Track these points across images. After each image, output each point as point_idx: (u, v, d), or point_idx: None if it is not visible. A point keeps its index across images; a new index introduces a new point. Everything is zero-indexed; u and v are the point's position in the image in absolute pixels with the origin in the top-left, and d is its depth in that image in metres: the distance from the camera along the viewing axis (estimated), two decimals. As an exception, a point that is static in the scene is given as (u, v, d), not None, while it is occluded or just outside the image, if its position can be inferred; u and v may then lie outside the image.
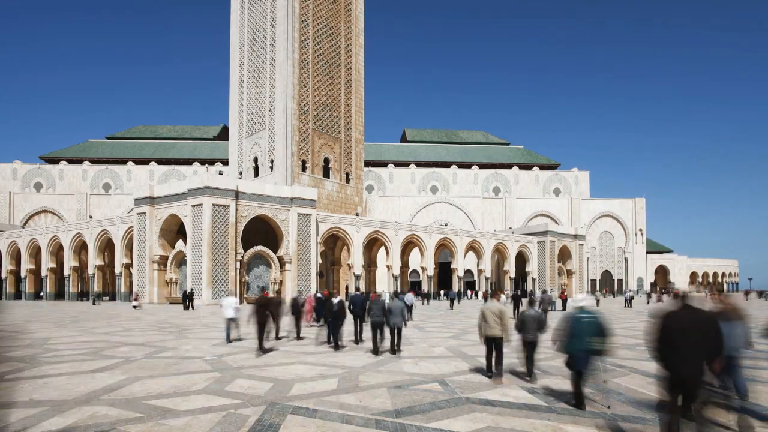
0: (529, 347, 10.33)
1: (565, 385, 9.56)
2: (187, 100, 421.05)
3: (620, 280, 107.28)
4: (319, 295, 22.77)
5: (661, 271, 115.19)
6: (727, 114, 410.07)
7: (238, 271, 48.33)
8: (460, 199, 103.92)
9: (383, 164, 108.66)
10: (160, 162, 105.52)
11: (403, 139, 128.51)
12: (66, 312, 37.10)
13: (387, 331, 14.34)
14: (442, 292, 78.26)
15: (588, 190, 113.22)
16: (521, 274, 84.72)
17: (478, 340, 17.39)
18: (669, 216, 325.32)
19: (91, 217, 78.81)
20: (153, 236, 51.61)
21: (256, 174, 70.81)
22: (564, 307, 35.50)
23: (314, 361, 12.62)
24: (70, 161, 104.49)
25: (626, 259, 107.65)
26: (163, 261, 51.57)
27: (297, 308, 18.34)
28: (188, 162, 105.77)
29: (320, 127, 70.52)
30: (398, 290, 53.47)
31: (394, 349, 14.01)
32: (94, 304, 51.55)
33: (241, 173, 73.08)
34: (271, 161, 68.16)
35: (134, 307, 41.53)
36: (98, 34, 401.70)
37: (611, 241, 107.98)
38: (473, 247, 75.64)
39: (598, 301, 47.65)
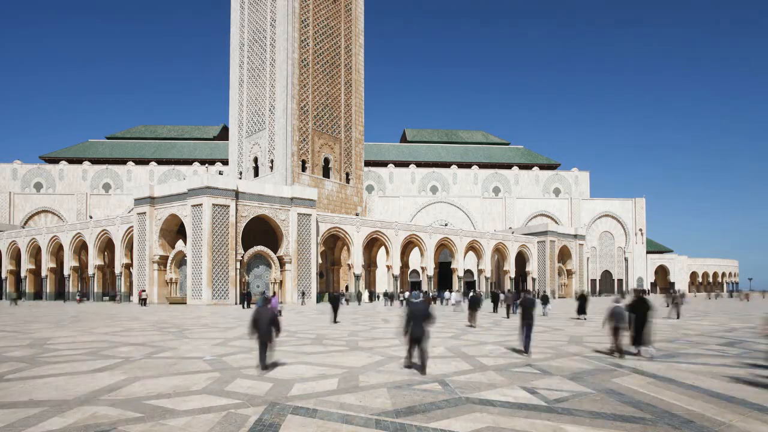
0: None
1: (565, 385, 9.56)
2: (187, 100, 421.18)
3: (620, 280, 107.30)
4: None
5: (661, 271, 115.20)
6: (728, 113, 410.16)
7: (238, 271, 48.34)
8: (460, 199, 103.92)
9: (383, 164, 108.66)
10: (160, 162, 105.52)
11: (403, 139, 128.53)
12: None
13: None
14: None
15: (588, 190, 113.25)
16: (521, 274, 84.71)
17: (479, 340, 17.43)
18: (669, 216, 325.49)
19: (91, 217, 78.81)
20: (153, 236, 51.61)
21: (256, 174, 70.81)
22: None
23: (314, 361, 12.62)
24: (70, 161, 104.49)
25: (626, 259, 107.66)
26: (163, 261, 51.57)
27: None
28: (188, 162, 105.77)
29: (320, 127, 70.52)
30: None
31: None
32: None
33: (241, 173, 73.08)
34: (271, 161, 68.16)
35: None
36: (98, 34, 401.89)
37: (611, 241, 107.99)
38: (473, 247, 75.63)
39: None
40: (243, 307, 40.71)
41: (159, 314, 33.40)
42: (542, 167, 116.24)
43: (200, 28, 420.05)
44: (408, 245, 69.41)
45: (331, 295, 26.30)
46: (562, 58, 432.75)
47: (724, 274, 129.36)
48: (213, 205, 46.59)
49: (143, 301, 47.81)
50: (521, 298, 14.31)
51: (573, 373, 10.89)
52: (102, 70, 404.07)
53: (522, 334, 13.81)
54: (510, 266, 78.99)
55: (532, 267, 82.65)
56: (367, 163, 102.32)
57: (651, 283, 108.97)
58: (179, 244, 52.61)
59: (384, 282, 74.56)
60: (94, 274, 63.23)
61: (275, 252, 52.28)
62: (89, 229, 63.50)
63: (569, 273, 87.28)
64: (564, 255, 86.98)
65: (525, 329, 13.70)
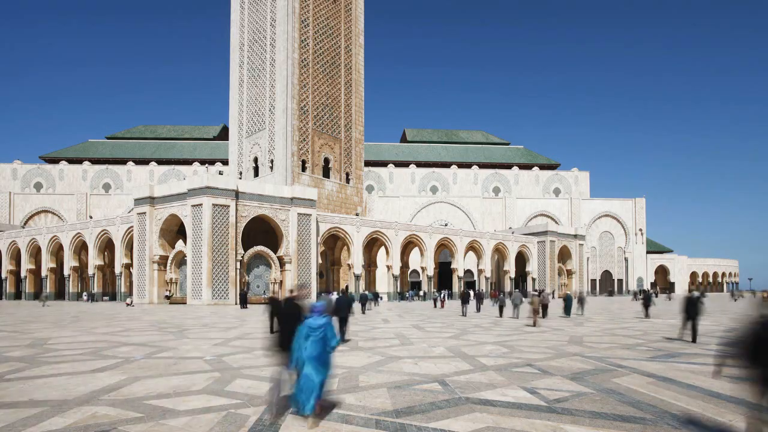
0: None
1: (565, 385, 9.56)
2: (187, 100, 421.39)
3: (620, 280, 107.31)
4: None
5: (661, 271, 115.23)
6: (728, 113, 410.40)
7: (238, 271, 48.35)
8: (460, 199, 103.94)
9: (383, 164, 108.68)
10: (160, 162, 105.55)
11: (403, 139, 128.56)
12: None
13: None
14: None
15: (588, 190, 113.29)
16: (521, 274, 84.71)
17: (479, 340, 17.45)
18: (669, 216, 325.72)
19: (91, 217, 78.83)
20: (153, 236, 51.62)
21: (256, 174, 70.82)
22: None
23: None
24: (70, 161, 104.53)
25: (626, 259, 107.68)
26: (163, 261, 51.59)
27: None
28: (188, 162, 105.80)
29: (320, 127, 70.53)
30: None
31: None
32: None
33: (241, 173, 73.09)
34: (271, 161, 68.18)
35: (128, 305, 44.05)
36: (98, 34, 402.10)
37: (611, 241, 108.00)
38: (473, 247, 75.64)
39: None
40: (241, 308, 40.68)
41: (159, 314, 33.40)
42: (542, 167, 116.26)
43: (200, 28, 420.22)
44: (408, 245, 69.42)
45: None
46: (562, 58, 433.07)
47: (724, 274, 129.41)
48: (213, 205, 46.60)
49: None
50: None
51: (573, 373, 10.88)
52: (102, 70, 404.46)
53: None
54: (510, 266, 79.01)
55: (532, 267, 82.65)
56: (367, 163, 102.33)
57: (651, 283, 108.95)
58: (179, 244, 52.62)
59: (384, 282, 74.56)
60: (94, 274, 63.24)
61: (275, 252, 52.29)
62: (89, 229, 63.51)
63: (569, 273, 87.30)
64: (564, 255, 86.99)
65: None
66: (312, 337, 6.85)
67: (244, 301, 41.75)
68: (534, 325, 23.28)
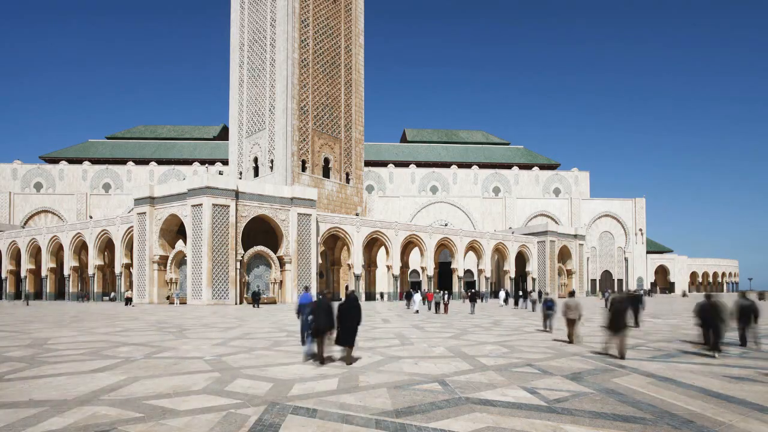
0: None
1: (565, 385, 9.56)
2: (187, 100, 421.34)
3: (620, 280, 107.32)
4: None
5: (661, 271, 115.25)
6: (728, 113, 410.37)
7: (238, 271, 48.35)
8: (460, 199, 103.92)
9: (383, 164, 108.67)
10: (160, 162, 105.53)
11: (403, 139, 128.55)
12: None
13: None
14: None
15: (588, 190, 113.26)
16: (521, 274, 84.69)
17: (479, 340, 17.46)
18: (669, 216, 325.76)
19: (91, 217, 78.83)
20: (153, 236, 51.62)
21: (256, 174, 70.81)
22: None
23: (314, 361, 12.61)
24: (70, 161, 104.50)
25: (626, 259, 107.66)
26: (163, 261, 51.58)
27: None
28: (188, 162, 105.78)
29: (320, 127, 70.51)
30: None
31: None
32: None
33: (241, 173, 73.07)
34: (271, 161, 68.16)
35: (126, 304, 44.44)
36: (98, 35, 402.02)
37: (611, 241, 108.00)
38: (473, 247, 75.63)
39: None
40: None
41: (159, 314, 33.39)
42: (542, 167, 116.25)
43: (200, 28, 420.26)
44: (408, 245, 69.41)
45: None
46: (562, 58, 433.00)
47: (724, 274, 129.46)
48: (213, 205, 46.59)
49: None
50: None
51: (573, 373, 10.89)
52: (102, 70, 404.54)
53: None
54: (510, 266, 79.00)
55: (532, 267, 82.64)
56: (367, 163, 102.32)
57: (651, 283, 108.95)
58: (179, 244, 52.62)
59: (384, 282, 74.52)
60: (94, 274, 63.24)
61: (275, 252, 52.28)
62: (89, 229, 63.51)
63: (569, 273, 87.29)
64: (564, 255, 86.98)
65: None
66: None
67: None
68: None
